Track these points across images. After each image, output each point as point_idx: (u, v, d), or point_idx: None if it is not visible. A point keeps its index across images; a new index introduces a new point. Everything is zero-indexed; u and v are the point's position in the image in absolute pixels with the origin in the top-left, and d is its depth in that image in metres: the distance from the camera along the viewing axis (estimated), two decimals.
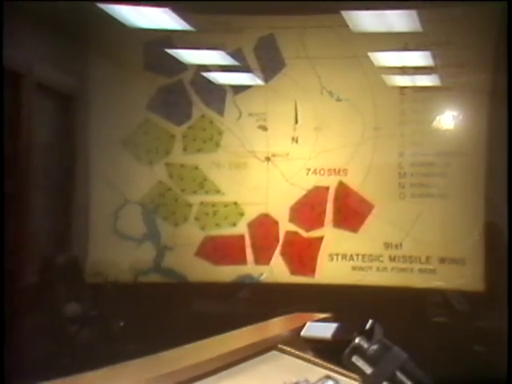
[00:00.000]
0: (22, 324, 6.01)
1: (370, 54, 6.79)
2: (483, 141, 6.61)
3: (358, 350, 1.96)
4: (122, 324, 6.75)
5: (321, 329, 2.27)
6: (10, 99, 6.65)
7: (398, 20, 6.69)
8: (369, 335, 2.01)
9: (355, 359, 1.94)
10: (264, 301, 6.39)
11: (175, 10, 6.75)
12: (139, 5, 6.75)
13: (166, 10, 6.74)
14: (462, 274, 6.61)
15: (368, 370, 1.92)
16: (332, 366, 2.14)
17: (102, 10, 6.71)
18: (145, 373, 1.72)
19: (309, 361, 2.23)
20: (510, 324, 3.35)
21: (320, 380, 1.43)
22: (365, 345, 1.97)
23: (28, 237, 6.85)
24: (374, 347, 1.98)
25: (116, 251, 7.03)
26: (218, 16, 6.92)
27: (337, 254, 6.88)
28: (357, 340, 1.99)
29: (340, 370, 2.07)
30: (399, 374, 1.88)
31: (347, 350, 1.98)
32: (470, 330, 6.39)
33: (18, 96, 6.72)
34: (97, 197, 7.09)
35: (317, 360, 2.22)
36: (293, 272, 6.96)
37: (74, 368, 1.69)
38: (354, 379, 1.95)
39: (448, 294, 6.72)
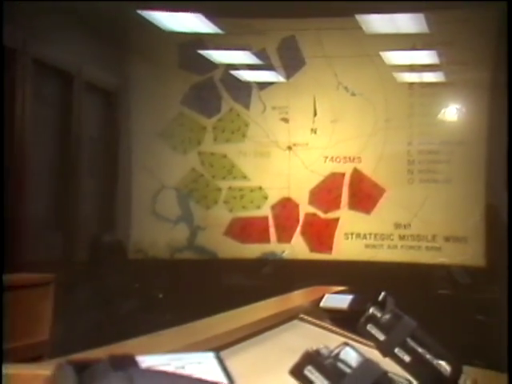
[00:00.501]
0: (74, 296, 6.12)
1: (381, 53, 6.85)
2: (484, 131, 6.68)
3: (372, 319, 1.95)
4: (160, 296, 6.88)
5: (338, 300, 2.30)
6: (62, 97, 6.85)
7: (406, 22, 6.73)
8: (382, 305, 1.99)
9: (370, 327, 1.93)
10: (286, 275, 6.44)
11: (206, 15, 6.80)
12: (174, 11, 6.81)
13: (198, 15, 6.79)
14: (464, 251, 6.67)
15: (381, 337, 1.90)
16: (349, 334, 2.14)
17: (141, 17, 6.84)
18: (181, 340, 1.71)
19: (328, 329, 2.21)
20: (509, 299, 3.29)
21: (338, 347, 1.34)
22: (378, 314, 1.95)
23: (78, 218, 6.99)
24: (387, 316, 1.95)
25: (154, 231, 7.13)
26: (244, 20, 6.99)
27: (352, 234, 6.94)
28: (371, 310, 1.98)
29: (356, 338, 2.06)
30: (410, 341, 1.87)
31: (362, 319, 1.97)
32: (472, 301, 6.44)
33: (68, 94, 6.87)
34: (137, 183, 7.19)
35: (335, 328, 2.22)
36: (312, 249, 7.03)
37: (119, 336, 1.69)
38: (369, 346, 1.91)
39: (452, 269, 6.78)
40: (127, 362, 0.98)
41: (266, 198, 7.09)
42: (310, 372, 1.28)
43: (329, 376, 1.28)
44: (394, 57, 6.96)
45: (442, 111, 6.84)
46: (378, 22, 6.81)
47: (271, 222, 7.10)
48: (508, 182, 4.83)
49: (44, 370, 1.09)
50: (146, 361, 1.02)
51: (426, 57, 6.90)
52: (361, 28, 6.77)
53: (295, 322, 2.19)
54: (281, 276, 6.59)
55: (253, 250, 7.12)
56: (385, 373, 1.37)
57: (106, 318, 6.34)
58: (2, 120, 5.68)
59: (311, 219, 7.02)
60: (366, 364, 1.33)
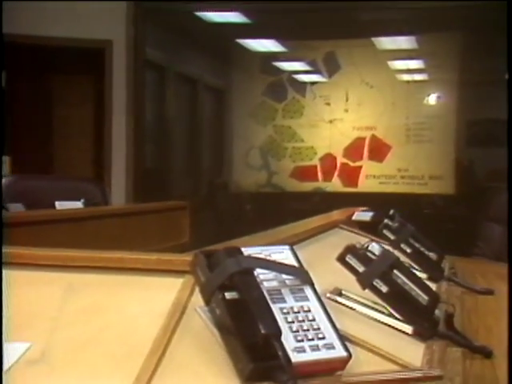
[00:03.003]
0: (201, 216, 6.21)
1: (388, 61, 6.90)
2: (453, 109, 6.75)
3: (387, 226, 1.94)
4: (250, 216, 7.00)
5: (364, 215, 2.25)
6: (190, 95, 7.15)
7: (404, 41, 6.83)
8: (392, 218, 1.99)
9: (385, 231, 1.93)
10: (329, 201, 6.12)
11: (278, 40, 6.99)
12: (257, 38, 7.05)
13: (272, 40, 7.02)
14: (441, 185, 6.71)
15: (392, 237, 1.90)
16: (372, 237, 2.00)
17: (238, 42, 7.08)
18: (267, 239, 1.66)
19: (358, 234, 2.14)
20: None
21: (367, 243, 1.31)
22: (390, 223, 1.95)
23: (202, 170, 7.38)
24: (396, 224, 1.95)
25: (246, 175, 7.23)
26: (301, 41, 7.02)
27: (370, 175, 6.97)
28: (385, 221, 1.97)
29: (376, 239, 1.90)
30: (411, 239, 1.86)
31: (380, 227, 1.96)
32: (446, 216, 6.45)
33: (194, 93, 7.20)
34: (236, 145, 7.29)
35: (363, 233, 2.15)
36: (345, 185, 7.02)
37: (228, 237, 1.57)
38: (384, 243, 1.77)
39: (433, 197, 6.77)
40: (235, 252, 1.00)
41: (315, 153, 7.11)
42: (350, 259, 1.28)
43: (361, 261, 1.27)
44: (397, 64, 6.98)
45: (427, 97, 6.87)
46: (386, 42, 6.91)
47: (319, 169, 7.10)
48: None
49: (188, 257, 1.06)
50: (247, 251, 1.03)
51: (417, 63, 6.93)
52: (375, 45, 6.86)
53: (336, 229, 2.12)
54: (325, 202, 6.53)
55: (307, 186, 7.14)
56: (397, 258, 1.35)
57: (220, 227, 6.61)
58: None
59: (344, 166, 7.03)
60: (385, 253, 1.32)
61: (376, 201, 5.91)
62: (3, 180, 3.14)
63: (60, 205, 2.96)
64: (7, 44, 5.99)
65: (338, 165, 7.08)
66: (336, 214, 2.36)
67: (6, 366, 0.90)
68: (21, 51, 6.32)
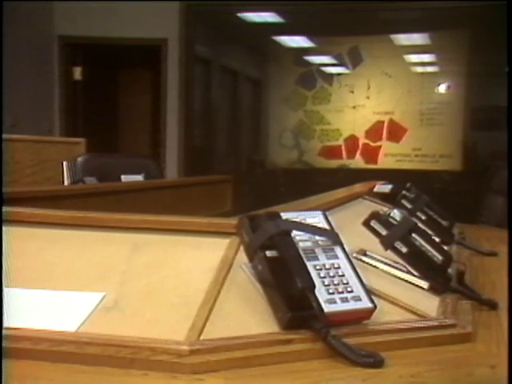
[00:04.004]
0: (241, 188, 6.19)
1: (404, 55, 6.79)
2: (461, 97, 6.65)
3: (404, 197, 1.90)
4: (283, 189, 6.93)
5: (384, 188, 2.18)
6: (232, 85, 7.13)
7: (418, 38, 6.73)
8: (409, 190, 1.95)
9: (403, 201, 1.87)
10: (352, 177, 5.83)
11: (308, 36, 6.93)
12: (290, 35, 7.00)
13: (303, 37, 6.96)
14: (450, 162, 6.64)
15: (409, 206, 1.84)
16: (391, 206, 1.85)
17: (273, 39, 7.01)
18: (301, 206, 1.50)
19: (379, 203, 2.06)
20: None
21: (389, 210, 1.30)
22: (407, 194, 1.92)
23: (242, 149, 7.41)
24: (412, 195, 1.90)
25: (280, 153, 7.15)
26: (329, 37, 6.95)
27: (388, 154, 6.84)
28: (403, 192, 1.93)
29: (395, 208, 1.73)
30: (425, 208, 1.82)
31: (398, 197, 1.91)
32: (453, 190, 6.37)
33: (236, 83, 7.17)
34: (272, 127, 7.20)
35: (383, 203, 2.05)
36: (366, 163, 6.91)
37: (267, 205, 1.47)
38: (402, 212, 1.69)
39: (443, 173, 6.68)
40: (275, 216, 0.99)
41: (341, 134, 7.01)
42: (374, 223, 1.26)
43: (384, 225, 1.25)
44: (412, 57, 6.87)
45: (438, 87, 6.75)
46: (402, 38, 6.81)
47: (343, 148, 7.01)
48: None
49: (234, 220, 1.06)
50: (285, 215, 1.01)
51: (429, 57, 6.84)
52: (393, 41, 6.78)
53: (360, 199, 2.08)
54: (349, 177, 6.20)
55: (333, 164, 7.06)
56: (415, 223, 1.33)
57: (257, 198, 6.59)
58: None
59: (366, 146, 6.94)
60: (405, 218, 1.30)
61: (393, 176, 5.89)
62: (80, 158, 3.23)
63: (125, 178, 3.05)
64: (83, 44, 6.58)
65: (360, 145, 6.99)
66: (359, 187, 2.32)
67: (86, 313, 0.92)
68: (94, 50, 6.69)
